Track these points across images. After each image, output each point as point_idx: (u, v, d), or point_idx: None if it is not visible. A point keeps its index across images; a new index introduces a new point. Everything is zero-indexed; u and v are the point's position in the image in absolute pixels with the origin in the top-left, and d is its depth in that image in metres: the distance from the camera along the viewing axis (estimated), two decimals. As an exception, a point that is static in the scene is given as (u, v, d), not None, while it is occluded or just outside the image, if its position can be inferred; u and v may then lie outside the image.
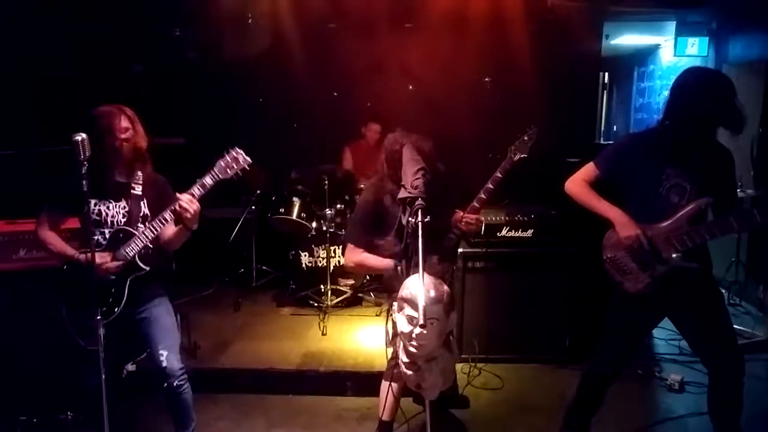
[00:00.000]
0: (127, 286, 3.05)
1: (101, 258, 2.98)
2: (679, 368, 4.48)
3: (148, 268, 3.08)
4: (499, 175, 3.23)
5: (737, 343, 3.06)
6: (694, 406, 3.92)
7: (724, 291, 5.72)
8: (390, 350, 3.28)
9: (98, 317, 2.75)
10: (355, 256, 3.27)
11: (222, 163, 2.97)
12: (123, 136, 3.00)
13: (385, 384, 3.27)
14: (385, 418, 3.31)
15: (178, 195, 2.94)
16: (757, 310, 5.59)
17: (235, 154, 2.97)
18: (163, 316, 3.17)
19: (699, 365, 4.12)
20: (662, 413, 3.94)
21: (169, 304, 3.26)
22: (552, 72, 5.90)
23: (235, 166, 2.97)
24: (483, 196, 3.26)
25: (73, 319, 3.03)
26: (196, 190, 2.96)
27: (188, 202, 2.92)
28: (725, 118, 2.80)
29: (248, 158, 2.99)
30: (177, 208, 2.93)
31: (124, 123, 3.01)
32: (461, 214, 3.34)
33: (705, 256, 2.99)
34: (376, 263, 3.22)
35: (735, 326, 4.90)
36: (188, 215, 2.92)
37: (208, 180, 2.97)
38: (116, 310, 3.02)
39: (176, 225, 3.06)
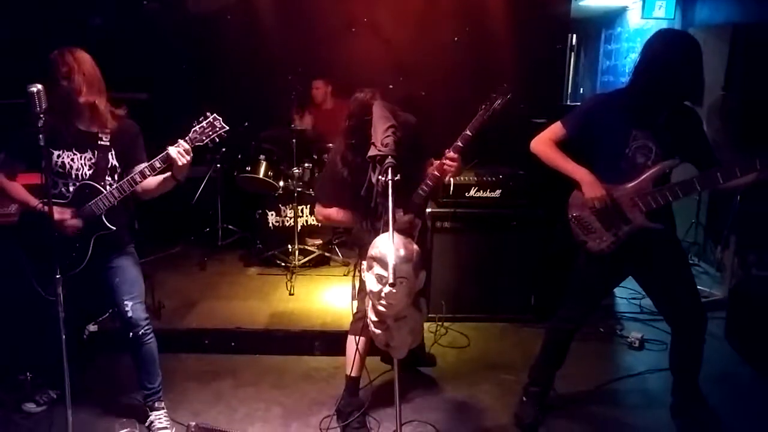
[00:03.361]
0: (91, 243, 2.98)
1: (63, 213, 2.90)
2: (640, 327, 4.60)
3: (114, 228, 3.02)
4: (480, 120, 3.02)
5: (700, 301, 3.14)
6: (654, 363, 4.04)
7: (683, 252, 5.87)
8: (356, 303, 3.31)
9: (57, 276, 2.68)
10: (324, 210, 3.38)
11: (198, 128, 2.92)
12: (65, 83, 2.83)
13: (351, 339, 3.28)
14: (352, 374, 3.32)
15: (179, 141, 2.88)
16: (715, 270, 5.76)
17: (212, 120, 2.93)
18: (129, 268, 3.13)
19: (659, 324, 4.27)
20: (623, 370, 4.06)
21: (136, 256, 3.22)
22: (521, 32, 5.85)
23: (211, 133, 2.93)
24: (468, 133, 3.04)
25: (33, 269, 2.94)
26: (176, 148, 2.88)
27: (187, 150, 2.87)
28: (689, 83, 2.81)
29: (225, 125, 2.93)
30: (175, 153, 2.85)
31: (63, 68, 2.83)
32: (436, 163, 3.18)
33: (669, 217, 3.04)
34: (342, 217, 3.33)
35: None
36: (183, 162, 2.87)
37: (184, 145, 2.90)
38: (79, 266, 2.95)
39: (160, 174, 2.99)
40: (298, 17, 6.14)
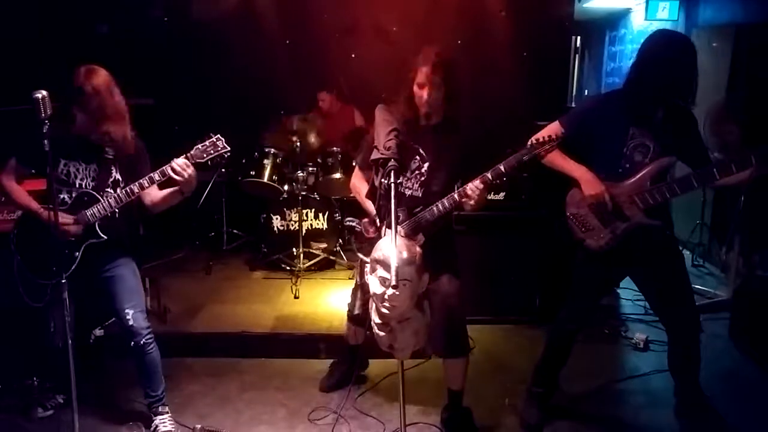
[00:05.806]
0: (81, 251, 3.00)
1: (63, 218, 2.92)
2: (644, 328, 4.59)
3: (105, 237, 3.04)
4: (518, 159, 2.83)
5: (694, 304, 3.14)
6: (658, 364, 4.01)
7: (688, 253, 5.86)
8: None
9: (63, 280, 2.72)
10: (356, 179, 3.32)
11: (200, 147, 2.98)
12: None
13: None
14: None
15: (175, 160, 2.92)
16: (720, 271, 5.74)
17: (215, 140, 2.99)
18: (128, 276, 3.15)
19: (663, 324, 4.26)
20: (627, 371, 4.05)
21: (134, 265, 3.23)
22: (525, 35, 5.86)
23: (213, 152, 2.99)
24: (502, 168, 2.84)
25: (24, 275, 2.99)
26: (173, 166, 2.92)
27: (183, 166, 2.91)
28: (683, 82, 2.82)
29: (227, 146, 3.00)
30: (170, 169, 2.90)
31: (84, 91, 2.85)
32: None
33: (666, 216, 3.05)
34: (362, 199, 3.21)
35: (699, 287, 5.06)
36: (181, 179, 2.91)
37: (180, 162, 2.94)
38: (65, 273, 2.95)
39: (165, 188, 3.04)
40: (302, 21, 6.16)
